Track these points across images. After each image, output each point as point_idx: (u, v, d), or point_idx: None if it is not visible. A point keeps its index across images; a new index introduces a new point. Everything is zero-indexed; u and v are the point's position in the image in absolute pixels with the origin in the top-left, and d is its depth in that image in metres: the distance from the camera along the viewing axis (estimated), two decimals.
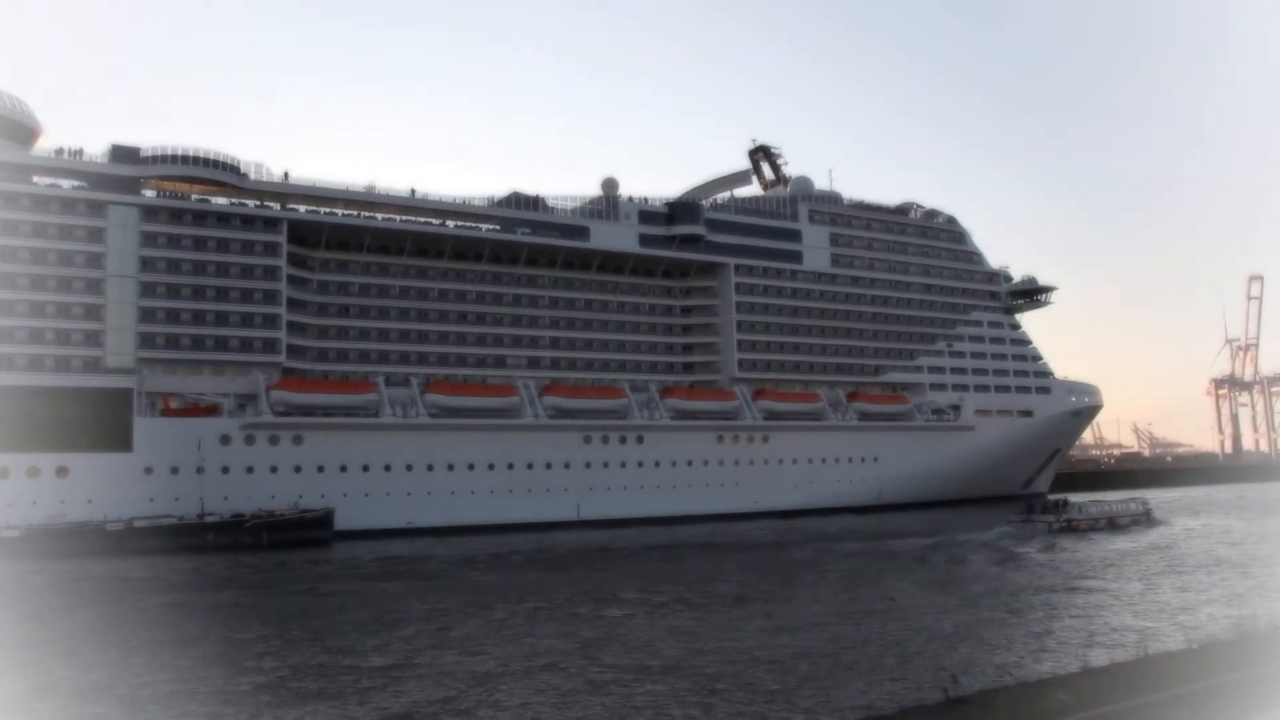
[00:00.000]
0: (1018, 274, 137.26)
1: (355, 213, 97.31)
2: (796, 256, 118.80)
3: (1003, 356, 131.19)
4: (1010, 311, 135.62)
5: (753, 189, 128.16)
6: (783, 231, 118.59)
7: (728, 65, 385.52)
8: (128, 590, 55.36)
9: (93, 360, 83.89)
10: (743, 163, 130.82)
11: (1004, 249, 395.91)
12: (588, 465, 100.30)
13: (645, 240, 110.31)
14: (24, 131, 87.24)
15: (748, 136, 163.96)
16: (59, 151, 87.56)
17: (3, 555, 69.99)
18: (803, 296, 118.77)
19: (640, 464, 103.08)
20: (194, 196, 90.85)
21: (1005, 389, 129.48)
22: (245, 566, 66.73)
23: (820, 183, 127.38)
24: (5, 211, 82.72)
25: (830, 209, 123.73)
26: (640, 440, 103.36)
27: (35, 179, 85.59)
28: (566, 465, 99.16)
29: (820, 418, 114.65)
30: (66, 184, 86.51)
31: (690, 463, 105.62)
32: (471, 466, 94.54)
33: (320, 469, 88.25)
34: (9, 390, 79.13)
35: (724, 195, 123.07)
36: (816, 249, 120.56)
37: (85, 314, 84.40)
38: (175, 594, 54.14)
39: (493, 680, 31.52)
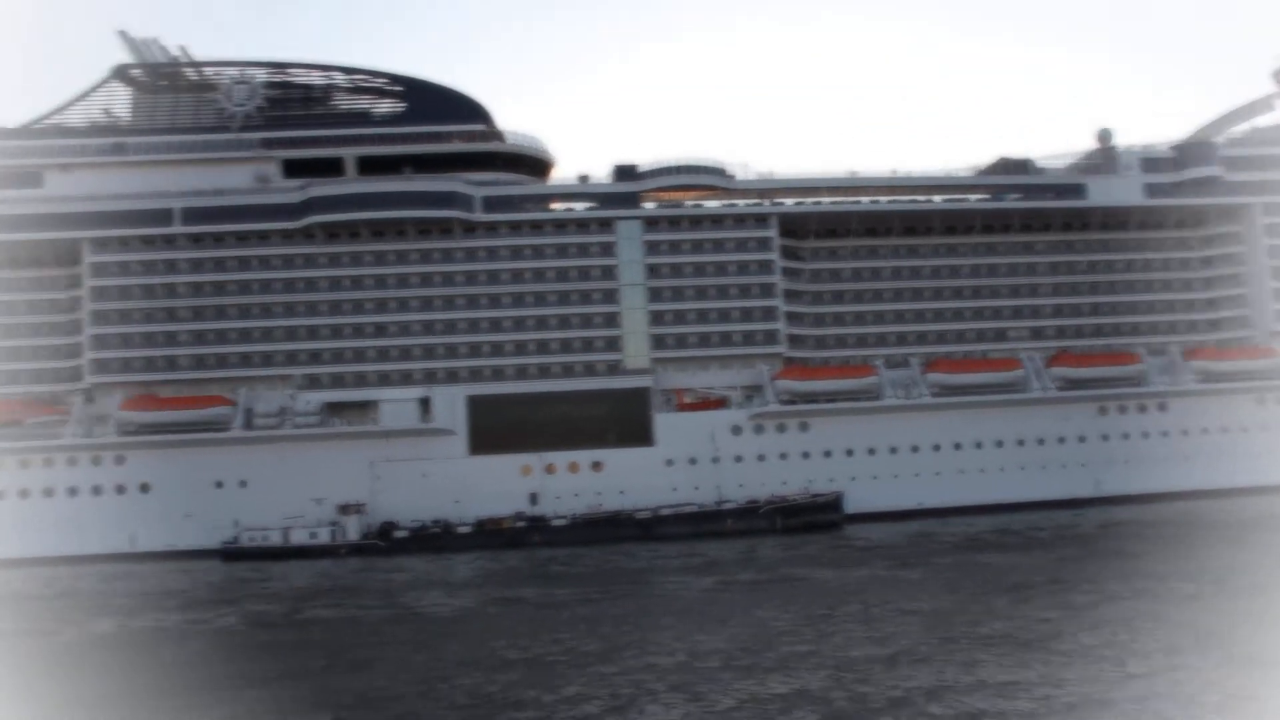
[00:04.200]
0: None
1: (840, 199, 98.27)
2: None
3: None
4: None
5: (1277, 115, 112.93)
6: None
7: None
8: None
9: (614, 363, 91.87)
10: (1265, 88, 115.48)
11: None
12: (1105, 438, 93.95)
13: (1150, 190, 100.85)
14: (541, 165, 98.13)
15: (1269, 57, 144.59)
16: (582, 178, 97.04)
17: (555, 541, 78.99)
18: None
19: (1165, 434, 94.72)
20: (688, 203, 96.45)
21: None
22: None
23: None
24: (532, 238, 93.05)
25: None
26: (1162, 408, 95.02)
27: (553, 205, 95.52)
28: (1081, 439, 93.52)
29: None
30: (579, 206, 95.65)
31: (1225, 430, 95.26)
32: (979, 444, 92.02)
33: (827, 454, 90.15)
34: (552, 396, 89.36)
35: (1242, 128, 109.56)
36: None
37: (604, 322, 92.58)
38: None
39: None
